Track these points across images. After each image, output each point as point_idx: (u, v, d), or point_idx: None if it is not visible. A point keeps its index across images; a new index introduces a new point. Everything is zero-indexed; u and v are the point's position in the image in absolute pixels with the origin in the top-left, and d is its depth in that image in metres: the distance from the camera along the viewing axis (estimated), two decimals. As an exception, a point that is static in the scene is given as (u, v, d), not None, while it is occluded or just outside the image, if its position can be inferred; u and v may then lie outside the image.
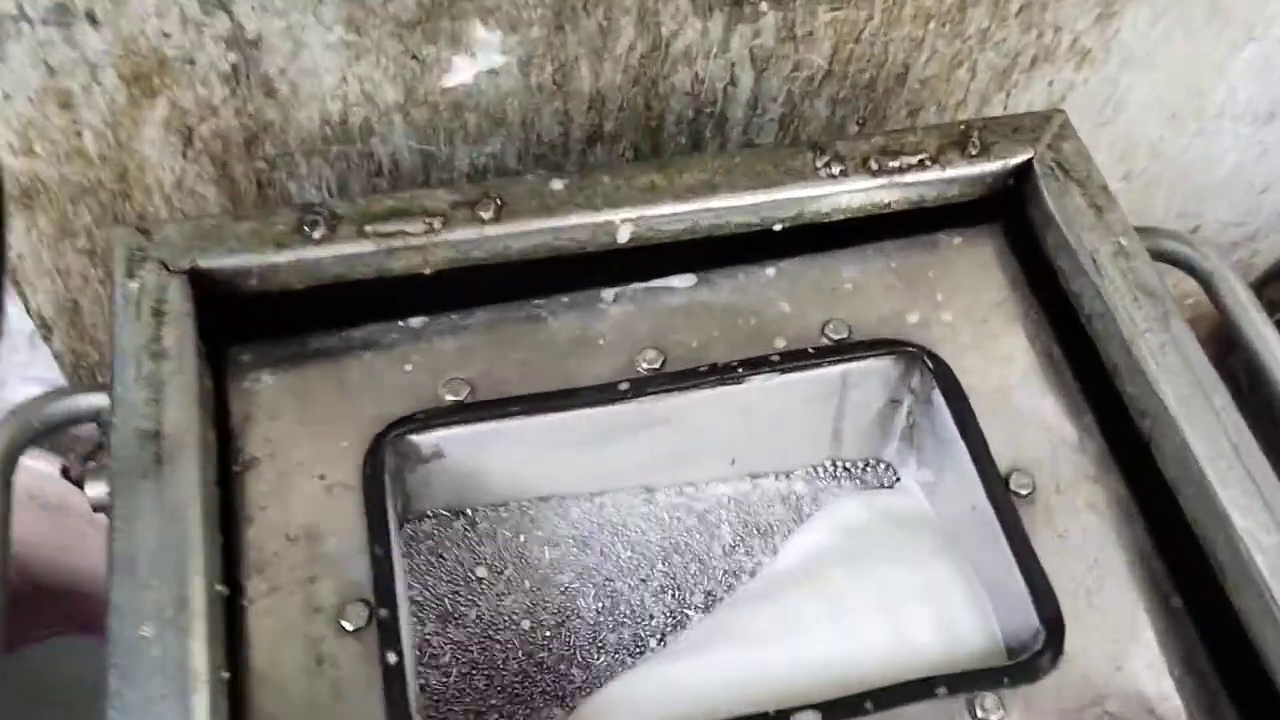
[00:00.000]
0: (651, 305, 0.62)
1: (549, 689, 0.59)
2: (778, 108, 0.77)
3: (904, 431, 0.65)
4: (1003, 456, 0.58)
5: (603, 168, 0.62)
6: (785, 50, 0.73)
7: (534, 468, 0.62)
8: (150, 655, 0.46)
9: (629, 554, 0.63)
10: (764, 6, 0.70)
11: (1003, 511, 0.56)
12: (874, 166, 0.61)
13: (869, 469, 0.67)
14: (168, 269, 0.56)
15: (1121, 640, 0.54)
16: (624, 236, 0.60)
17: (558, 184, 0.60)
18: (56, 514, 0.83)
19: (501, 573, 0.61)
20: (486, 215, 0.58)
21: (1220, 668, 0.54)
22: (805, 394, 0.62)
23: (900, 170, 0.62)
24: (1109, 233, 0.60)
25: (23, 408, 0.58)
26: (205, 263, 0.56)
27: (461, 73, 0.66)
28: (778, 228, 0.62)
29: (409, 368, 0.59)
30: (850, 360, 0.61)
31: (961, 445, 0.58)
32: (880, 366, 0.61)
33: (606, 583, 0.62)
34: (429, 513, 0.63)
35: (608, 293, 0.62)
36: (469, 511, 0.63)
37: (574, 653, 0.60)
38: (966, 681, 0.52)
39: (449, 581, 0.61)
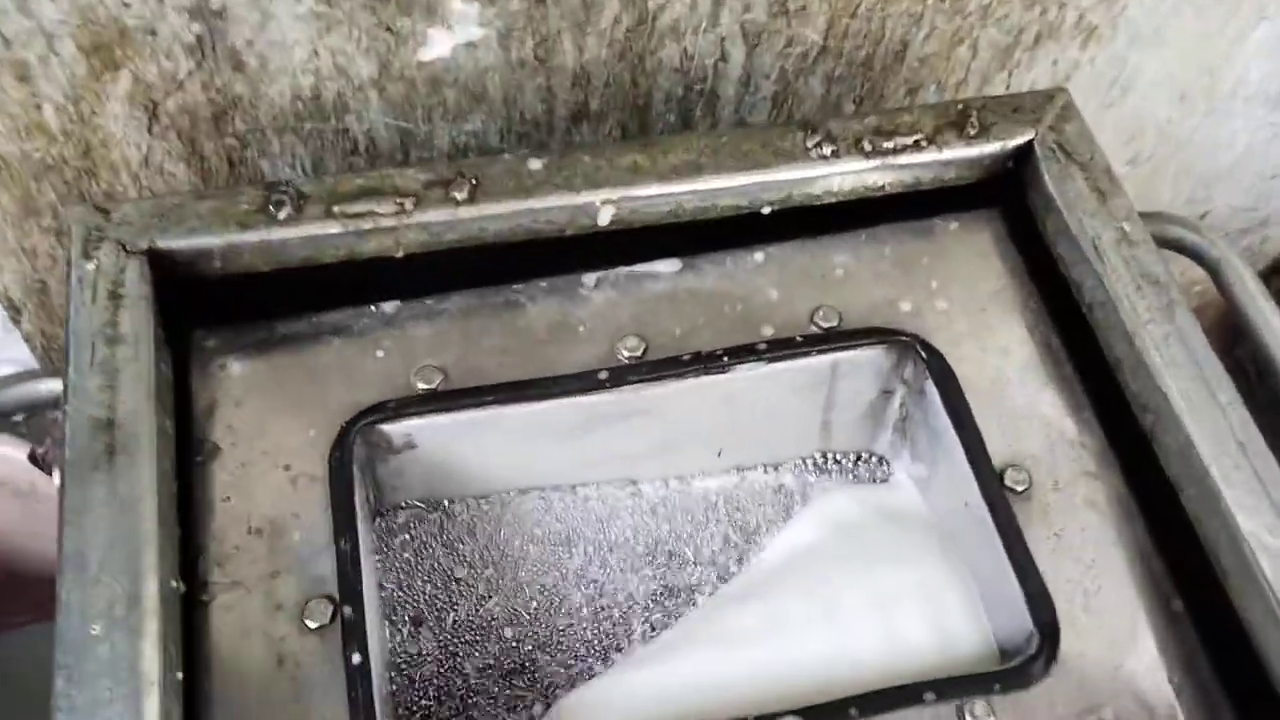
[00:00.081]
0: (634, 291, 0.60)
1: (530, 688, 0.58)
2: (771, 85, 0.75)
3: (896, 423, 0.63)
4: (998, 451, 0.56)
5: (583, 147, 0.60)
6: (778, 25, 0.71)
7: (511, 459, 0.60)
8: (99, 655, 0.45)
9: (611, 548, 0.62)
10: (756, -22, 0.68)
11: (997, 509, 0.55)
12: (867, 147, 0.60)
13: (860, 462, 0.65)
14: (125, 250, 0.54)
15: (1119, 645, 0.52)
16: (605, 219, 0.58)
17: (536, 163, 0.58)
18: (27, 500, 0.81)
19: (481, 569, 0.60)
20: (461, 196, 0.57)
21: (1222, 674, 0.53)
22: (793, 384, 0.60)
23: (895, 151, 0.60)
24: (1112, 218, 0.59)
25: (-23, 391, 0.56)
26: (165, 243, 0.55)
27: (438, 46, 0.65)
28: (766, 211, 0.60)
29: (380, 354, 0.58)
30: (840, 349, 0.59)
31: (955, 439, 0.57)
32: (871, 356, 0.60)
33: (588, 578, 0.61)
34: (404, 504, 0.62)
35: (588, 278, 0.61)
36: (447, 503, 0.62)
37: (554, 651, 0.59)
38: (956, 687, 0.51)
39: (425, 578, 0.60)
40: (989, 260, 0.63)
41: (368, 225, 0.56)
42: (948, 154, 0.61)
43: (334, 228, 0.56)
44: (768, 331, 0.59)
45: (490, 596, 0.59)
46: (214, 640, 0.50)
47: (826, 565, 0.60)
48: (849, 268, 0.62)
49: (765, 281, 0.61)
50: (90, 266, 0.53)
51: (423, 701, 0.57)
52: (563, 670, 0.58)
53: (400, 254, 0.57)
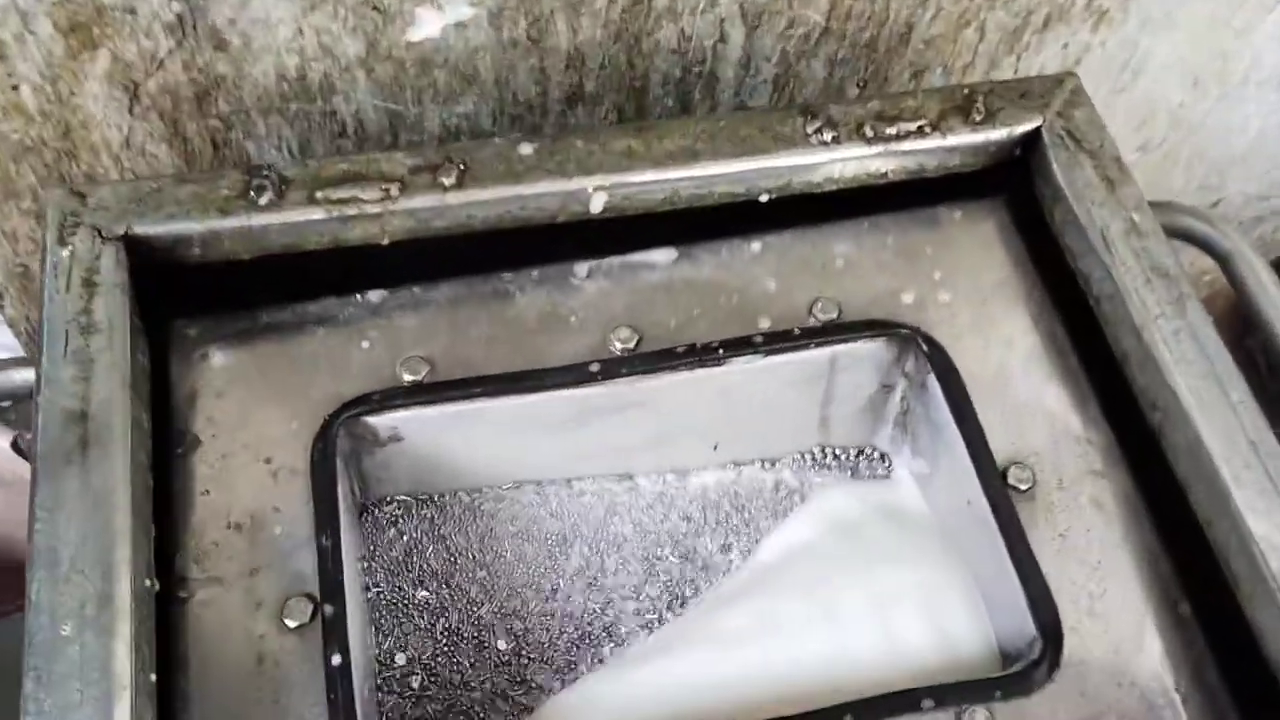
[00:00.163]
0: (627, 281, 0.59)
1: (521, 687, 0.57)
2: (771, 68, 0.74)
3: (897, 418, 0.62)
4: (1001, 448, 0.56)
5: (576, 131, 0.59)
6: (779, 5, 0.69)
7: (501, 452, 0.59)
8: (69, 656, 0.44)
9: (604, 545, 0.61)
10: (756, -44, 0.67)
11: (999, 507, 0.54)
12: (869, 133, 0.59)
13: (861, 457, 0.64)
14: (101, 236, 0.53)
15: (1125, 650, 0.51)
16: (597, 206, 0.57)
17: (526, 148, 0.57)
18: (11, 490, 0.80)
19: (472, 566, 0.59)
20: (448, 181, 0.56)
21: (1231, 681, 0.52)
22: (791, 377, 0.59)
23: (898, 138, 0.59)
24: (1121, 208, 0.58)
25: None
26: (142, 229, 0.53)
27: (427, 25, 0.63)
28: (764, 199, 0.59)
29: (366, 345, 0.57)
30: (839, 342, 0.58)
31: (957, 434, 0.56)
32: (871, 349, 0.59)
33: (580, 575, 0.60)
34: (390, 499, 0.61)
35: (580, 267, 0.60)
36: (437, 498, 0.61)
37: (546, 650, 0.58)
38: (955, 694, 0.50)
39: (415, 575, 0.59)
40: (993, 251, 0.62)
41: (352, 212, 0.54)
42: (952, 140, 0.60)
43: (317, 214, 0.54)
44: (765, 323, 0.58)
45: (481, 593, 0.59)
46: (191, 639, 0.49)
47: (824, 564, 0.59)
48: (849, 258, 0.61)
49: (763, 272, 0.60)
50: (65, 253, 0.52)
51: (410, 702, 0.56)
52: (554, 669, 0.57)
53: (386, 241, 0.56)
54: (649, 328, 0.58)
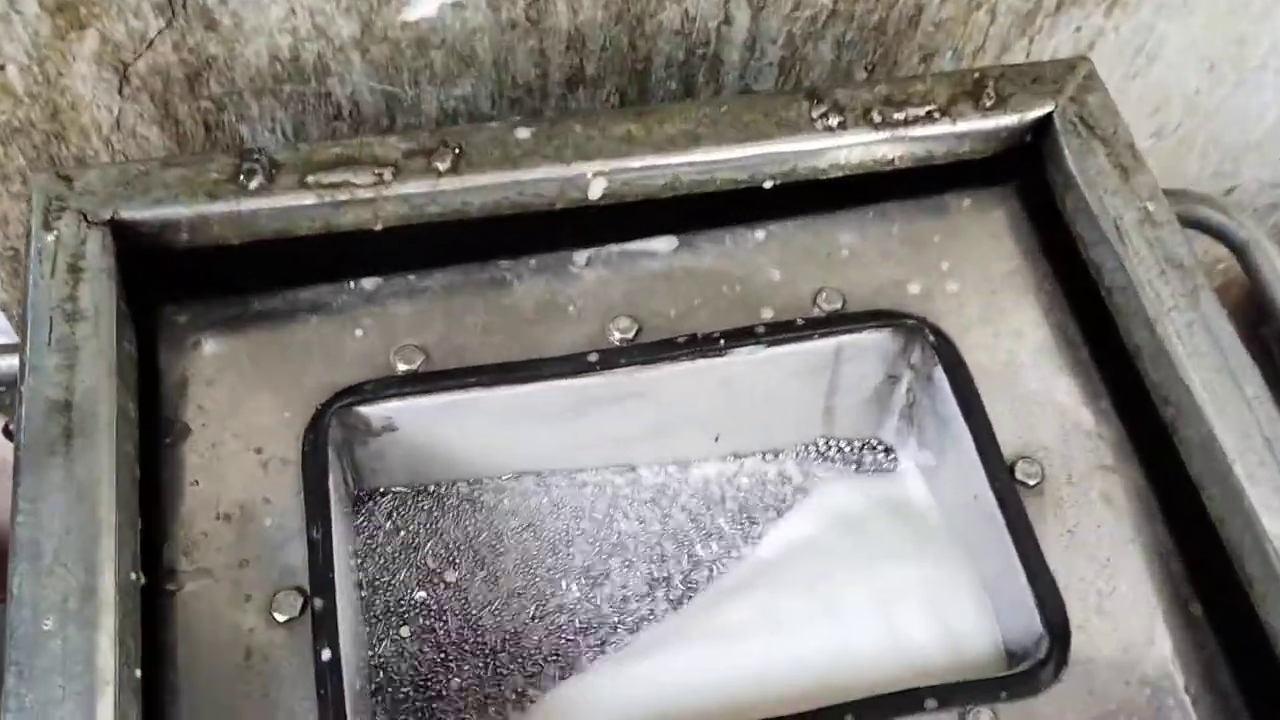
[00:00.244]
0: (627, 269, 0.59)
1: (520, 681, 0.56)
2: (777, 50, 0.73)
3: (903, 410, 0.61)
4: (1009, 442, 0.55)
5: (575, 115, 0.58)
6: (785, -15, 0.69)
7: (497, 443, 0.58)
8: (52, 651, 0.43)
9: (602, 537, 0.60)
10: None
11: (1006, 502, 0.53)
12: (877, 118, 0.58)
13: (865, 449, 0.63)
14: (87, 220, 0.52)
15: (1134, 649, 0.51)
16: (596, 192, 0.56)
17: (524, 132, 0.56)
18: (3, 476, 0.79)
19: (468, 558, 0.59)
20: (443, 166, 0.55)
21: (1242, 683, 0.51)
22: (794, 369, 0.58)
23: (906, 123, 0.58)
24: (1135, 197, 0.57)
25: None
26: (129, 214, 0.53)
27: (423, 5, 0.62)
28: (768, 185, 0.58)
29: (359, 333, 0.56)
30: (844, 333, 0.58)
31: (964, 428, 0.56)
32: (877, 340, 0.58)
33: (579, 568, 0.59)
34: (384, 490, 0.60)
35: (579, 255, 0.59)
36: (433, 488, 0.60)
37: (545, 644, 0.57)
38: (959, 693, 0.49)
39: (409, 568, 0.58)
40: (1003, 240, 0.61)
41: (344, 196, 0.54)
42: (962, 126, 0.59)
43: (308, 199, 0.54)
44: (768, 314, 0.58)
45: (478, 586, 0.58)
46: (179, 631, 0.49)
47: (827, 559, 0.59)
48: (855, 247, 0.60)
49: (766, 261, 0.59)
50: (50, 238, 0.52)
51: (406, 694, 0.55)
52: (552, 663, 0.57)
53: (379, 227, 0.55)
54: (649, 317, 0.57)
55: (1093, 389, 0.57)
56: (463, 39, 0.65)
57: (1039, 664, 0.50)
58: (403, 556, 0.58)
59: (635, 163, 0.56)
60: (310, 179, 0.54)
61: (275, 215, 0.54)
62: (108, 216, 0.52)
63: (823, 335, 0.57)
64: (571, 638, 0.57)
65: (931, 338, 0.57)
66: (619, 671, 0.56)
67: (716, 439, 0.61)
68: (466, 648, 0.57)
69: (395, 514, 0.59)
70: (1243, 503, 0.49)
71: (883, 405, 0.61)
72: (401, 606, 0.57)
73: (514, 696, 0.56)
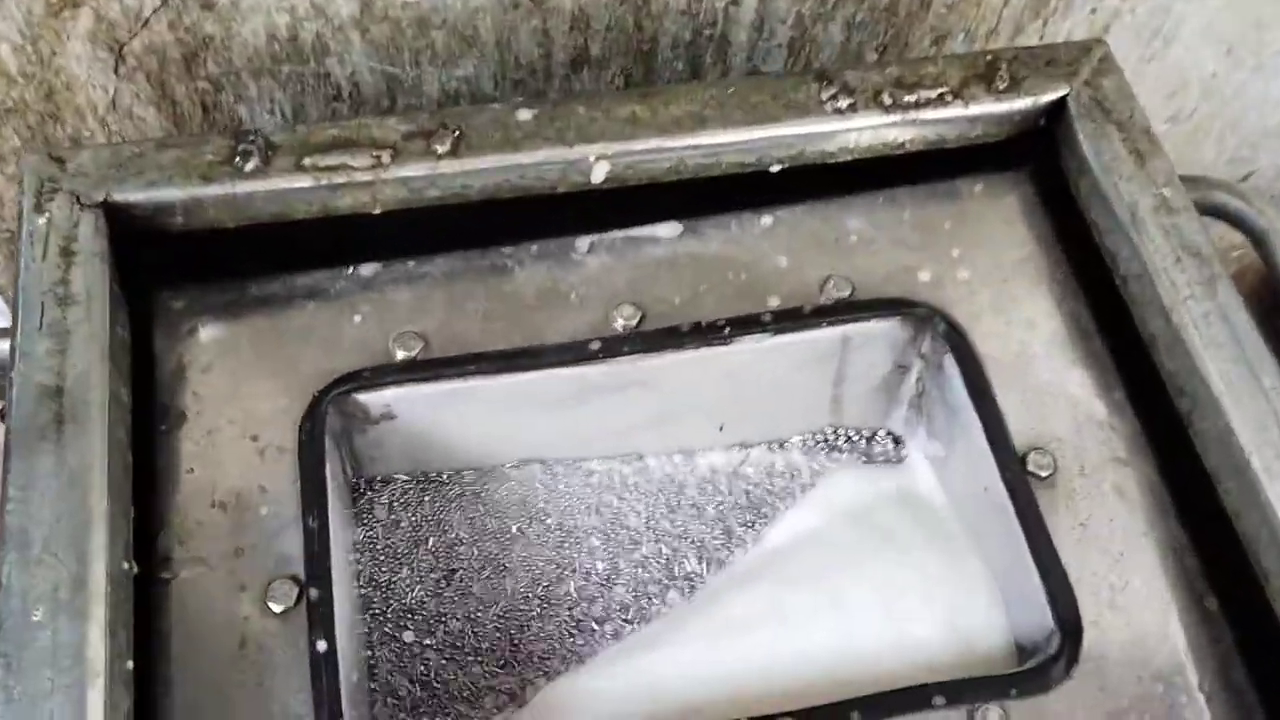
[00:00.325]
0: (630, 256, 0.58)
1: (520, 672, 0.56)
2: (786, 31, 0.72)
3: (912, 399, 0.61)
4: (1020, 433, 0.55)
5: (578, 97, 0.57)
6: (795, -34, 0.68)
7: (497, 431, 0.58)
8: (41, 643, 0.43)
9: (607, 528, 0.60)
10: (771, -87, 0.66)
11: (1018, 494, 0.53)
12: (887, 101, 0.58)
13: (874, 439, 0.63)
14: (79, 202, 0.52)
15: (1147, 646, 0.50)
16: (599, 176, 0.56)
17: (525, 114, 0.55)
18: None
19: (469, 548, 0.59)
20: (442, 149, 0.54)
21: (1258, 680, 0.50)
22: (800, 357, 0.58)
23: (917, 106, 0.58)
24: (1151, 183, 0.57)
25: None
26: (122, 196, 0.52)
27: None
28: (775, 169, 0.58)
29: (358, 319, 0.56)
30: (852, 321, 0.57)
31: (974, 418, 0.55)
32: (886, 329, 0.58)
33: (582, 557, 0.59)
34: (385, 478, 0.59)
35: (582, 241, 0.59)
36: (434, 476, 0.60)
37: (545, 635, 0.57)
38: (967, 690, 0.49)
39: (408, 557, 0.58)
40: (1016, 226, 0.61)
41: (341, 179, 0.53)
42: (974, 109, 0.58)
43: (304, 181, 0.53)
44: (774, 301, 0.57)
45: (481, 576, 0.58)
46: (173, 621, 0.48)
47: (834, 551, 0.58)
48: (864, 233, 0.60)
49: (773, 247, 0.59)
50: (41, 220, 0.51)
51: (406, 686, 0.55)
52: (554, 655, 0.56)
53: (377, 211, 0.54)
54: (652, 305, 0.57)
55: (1106, 379, 0.57)
56: (464, 18, 0.65)
57: (1050, 660, 0.50)
58: (404, 547, 0.58)
59: (639, 145, 0.55)
60: (307, 161, 0.53)
61: (271, 198, 0.53)
62: (100, 199, 0.52)
63: (830, 324, 0.57)
64: (572, 630, 0.57)
65: (942, 326, 0.57)
66: (623, 664, 0.56)
67: (721, 428, 0.61)
68: (469, 639, 0.56)
69: (396, 503, 0.59)
70: (1260, 496, 0.49)
71: (891, 395, 0.61)
72: (403, 597, 0.57)
73: (515, 689, 0.55)
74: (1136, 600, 0.51)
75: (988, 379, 0.55)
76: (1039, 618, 0.51)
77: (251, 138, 0.53)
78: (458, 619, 0.56)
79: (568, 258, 0.58)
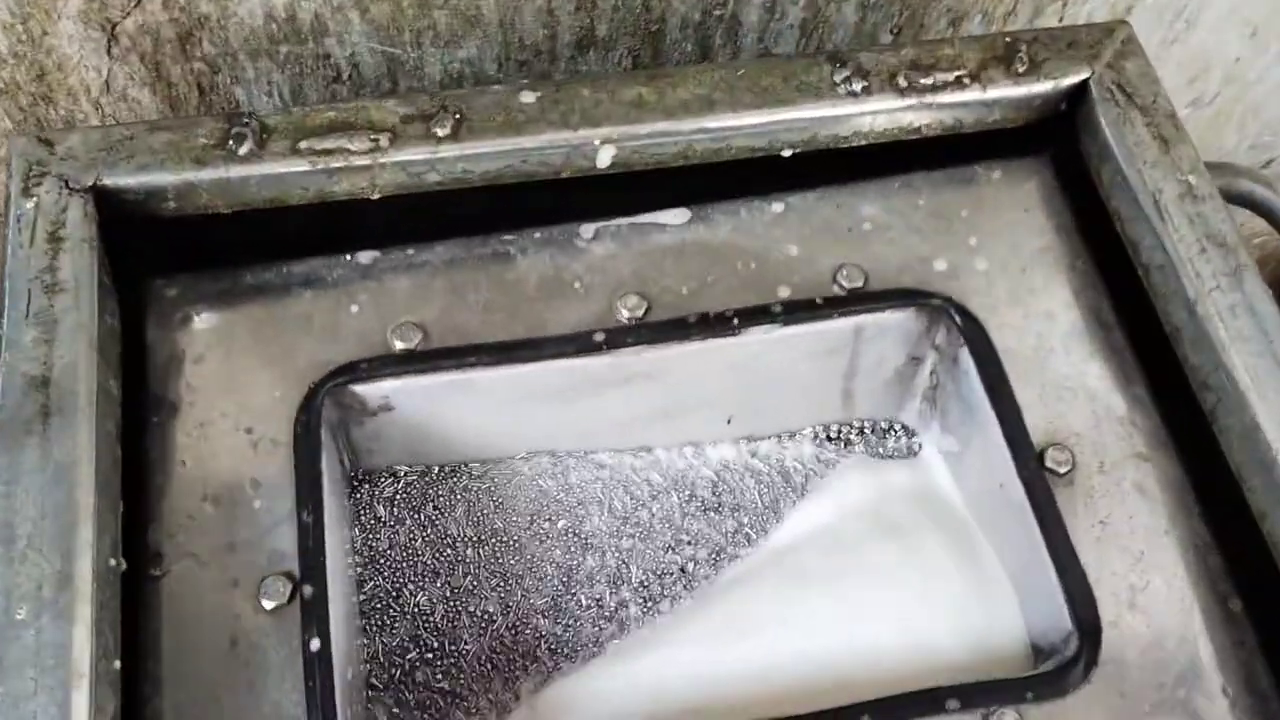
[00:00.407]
0: (636, 243, 0.58)
1: (522, 672, 0.56)
2: (799, 11, 0.72)
3: (926, 392, 0.60)
4: (1038, 428, 0.54)
5: (583, 78, 0.56)
6: (808, -56, 0.68)
7: (498, 424, 0.57)
8: (24, 642, 0.43)
9: (610, 523, 0.59)
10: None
11: (1035, 492, 0.52)
12: (902, 84, 0.57)
13: (888, 433, 0.62)
14: (68, 187, 0.51)
15: (1168, 649, 0.50)
16: (605, 160, 0.55)
17: (528, 96, 0.55)
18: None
19: (469, 544, 0.58)
20: (442, 132, 0.53)
21: None
22: (811, 349, 0.57)
23: (933, 89, 0.57)
24: (1175, 170, 0.56)
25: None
26: (112, 180, 0.52)
27: None
28: (787, 154, 0.57)
29: (355, 309, 0.55)
30: (865, 312, 0.56)
31: (990, 413, 0.55)
32: (899, 320, 0.57)
33: (583, 553, 0.58)
34: (385, 472, 0.59)
35: (586, 228, 0.58)
36: (435, 470, 0.59)
37: (546, 634, 0.56)
38: (982, 693, 0.48)
39: (409, 553, 0.57)
40: (1034, 214, 0.60)
41: (338, 164, 0.52)
42: (992, 93, 0.58)
43: (300, 165, 0.52)
44: (785, 292, 0.56)
45: (479, 573, 0.57)
46: (163, 618, 0.48)
47: (844, 549, 0.58)
48: (878, 220, 0.59)
49: (783, 235, 0.58)
50: (29, 205, 0.51)
51: (405, 686, 0.54)
52: (557, 653, 0.56)
53: (375, 196, 0.54)
54: (659, 295, 0.56)
55: (1127, 373, 0.56)
56: (467, -3, 0.64)
57: (1068, 663, 0.49)
58: (405, 541, 0.57)
59: (646, 129, 0.55)
60: (303, 145, 0.52)
61: (266, 183, 0.52)
62: (90, 183, 0.51)
63: (842, 315, 0.56)
64: (575, 627, 0.56)
65: (957, 318, 0.56)
66: (625, 664, 0.55)
67: (729, 421, 0.60)
68: (469, 637, 0.56)
69: (398, 497, 0.58)
70: (1287, 497, 0.48)
71: (904, 388, 0.60)
72: (403, 594, 0.56)
73: (516, 686, 0.55)
74: (1157, 601, 0.50)
75: (1004, 372, 0.55)
76: (1056, 618, 0.51)
77: (245, 120, 0.52)
78: (458, 616, 0.56)
79: (571, 245, 0.57)
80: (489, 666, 0.55)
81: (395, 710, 0.54)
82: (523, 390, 0.55)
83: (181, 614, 0.48)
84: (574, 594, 0.57)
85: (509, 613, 0.56)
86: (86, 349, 0.48)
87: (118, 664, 0.44)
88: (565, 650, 0.55)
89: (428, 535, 0.57)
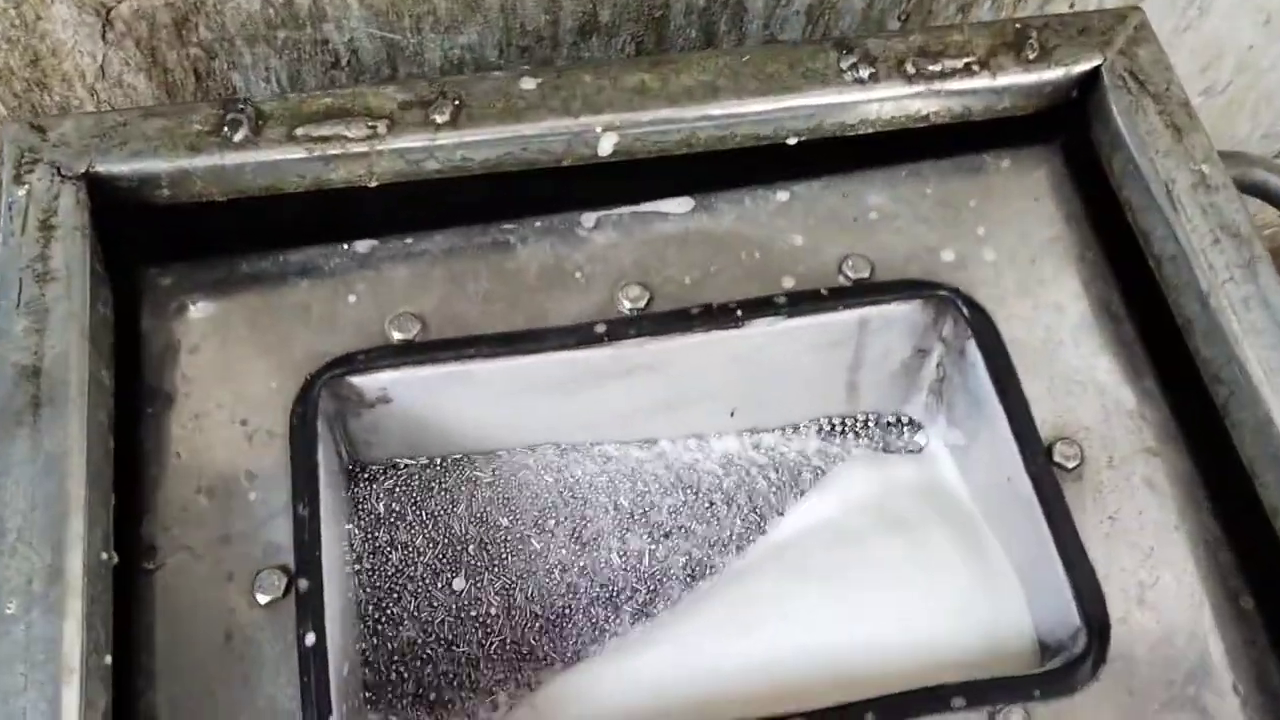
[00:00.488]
0: (638, 233, 0.57)
1: (520, 667, 0.55)
2: None
3: (932, 385, 0.60)
4: (1046, 422, 0.54)
5: (585, 64, 0.55)
6: (815, -72, 0.67)
7: (497, 416, 0.57)
8: (14, 637, 0.42)
9: (610, 517, 0.59)
10: None
11: (1042, 486, 0.52)
12: (910, 70, 0.56)
13: (892, 427, 0.62)
14: (60, 174, 0.51)
15: (1178, 646, 0.50)
16: (607, 148, 0.54)
17: (529, 83, 0.54)
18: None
19: (467, 537, 0.58)
20: (441, 119, 0.53)
21: None
22: (815, 341, 0.57)
23: (942, 76, 0.57)
24: (1189, 159, 0.55)
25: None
26: (105, 167, 0.51)
27: None
28: (792, 142, 0.57)
29: (353, 299, 0.55)
30: (870, 304, 0.56)
31: (998, 406, 0.55)
32: (906, 312, 0.57)
33: (583, 546, 0.58)
34: (382, 463, 0.58)
35: (587, 217, 0.57)
36: (434, 462, 0.59)
37: (544, 630, 0.56)
38: (989, 691, 0.48)
39: (414, 543, 0.57)
40: (1044, 204, 0.59)
41: (335, 150, 0.52)
42: (1002, 80, 0.57)
43: (296, 152, 0.52)
44: (789, 282, 0.56)
45: (477, 565, 0.57)
46: (156, 611, 0.48)
47: (848, 543, 0.57)
48: (885, 210, 0.58)
49: (788, 225, 0.58)
50: (20, 192, 0.50)
51: (404, 683, 0.54)
52: (557, 647, 0.56)
53: (373, 184, 0.53)
54: (661, 285, 0.56)
55: (1137, 367, 0.56)
56: (468, -18, 0.64)
57: (1076, 660, 0.49)
58: (404, 534, 0.57)
59: (648, 116, 0.54)
60: (299, 131, 0.52)
61: (262, 170, 0.52)
62: (82, 170, 0.51)
63: (847, 306, 0.56)
64: (575, 622, 0.56)
65: (965, 310, 0.56)
66: (627, 661, 0.55)
67: (732, 414, 0.60)
68: (469, 633, 0.56)
69: (397, 489, 0.58)
70: (1301, 494, 0.48)
71: (910, 381, 0.60)
72: (402, 588, 0.56)
73: (516, 683, 0.55)
74: (1167, 597, 0.50)
75: (1012, 365, 0.54)
76: (1064, 615, 0.50)
77: (241, 106, 0.52)
78: (457, 611, 0.56)
79: (572, 235, 0.57)
80: (490, 662, 0.55)
81: (393, 708, 0.53)
82: (522, 382, 0.55)
83: (176, 607, 0.48)
84: (575, 588, 0.56)
85: (510, 608, 0.56)
86: (78, 338, 0.47)
87: (109, 659, 0.44)
88: (566, 645, 0.55)
89: (428, 530, 0.57)
